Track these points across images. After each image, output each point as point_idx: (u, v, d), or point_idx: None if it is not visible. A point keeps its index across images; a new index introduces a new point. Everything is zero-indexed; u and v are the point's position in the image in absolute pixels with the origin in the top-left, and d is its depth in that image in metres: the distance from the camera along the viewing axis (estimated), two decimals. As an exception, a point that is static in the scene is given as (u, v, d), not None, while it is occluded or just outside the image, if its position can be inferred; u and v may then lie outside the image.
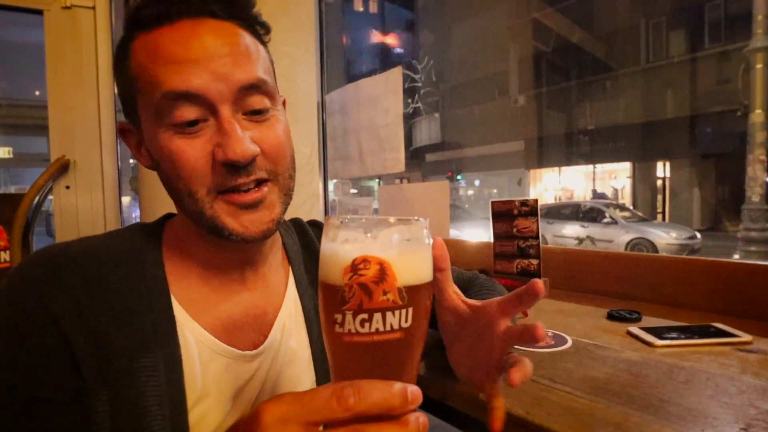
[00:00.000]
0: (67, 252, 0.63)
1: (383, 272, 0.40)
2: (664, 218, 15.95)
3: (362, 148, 2.48)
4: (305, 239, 0.88)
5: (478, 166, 19.85)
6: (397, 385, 0.39)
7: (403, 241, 0.42)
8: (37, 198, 1.85)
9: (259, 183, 0.64)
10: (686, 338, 1.01)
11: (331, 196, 2.84)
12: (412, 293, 0.41)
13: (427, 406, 0.92)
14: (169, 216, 0.76)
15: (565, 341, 1.03)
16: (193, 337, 0.65)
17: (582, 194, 18.56)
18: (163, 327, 0.62)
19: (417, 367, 0.46)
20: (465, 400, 0.80)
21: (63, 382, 0.56)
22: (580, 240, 10.68)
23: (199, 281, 0.69)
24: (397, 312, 0.40)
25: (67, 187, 1.92)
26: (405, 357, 0.43)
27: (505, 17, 18.01)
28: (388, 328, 0.40)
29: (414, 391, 0.40)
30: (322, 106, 2.62)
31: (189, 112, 0.59)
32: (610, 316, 1.22)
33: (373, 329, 0.40)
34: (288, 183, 0.69)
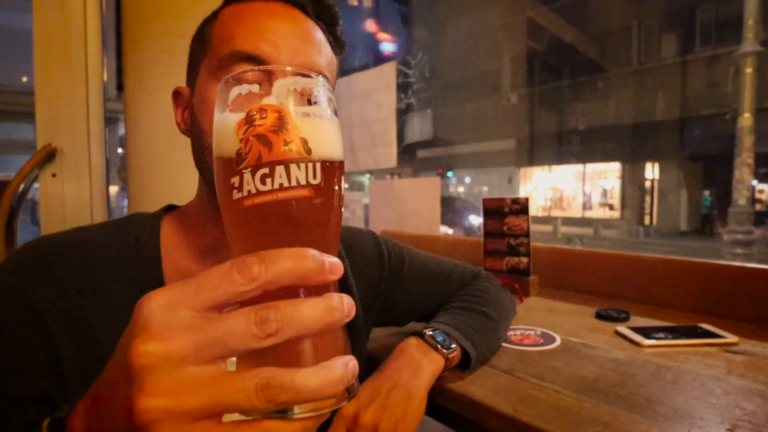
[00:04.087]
0: (57, 245, 0.60)
1: (282, 120, 0.34)
2: (651, 220, 16.11)
3: (354, 142, 2.47)
4: None
5: (470, 163, 19.90)
6: (311, 250, 0.32)
7: (303, 92, 0.37)
8: (22, 186, 1.82)
9: None
10: (673, 338, 1.01)
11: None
12: (317, 148, 0.35)
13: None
14: (168, 207, 0.73)
15: (553, 340, 1.03)
16: None
17: (571, 193, 18.69)
18: None
19: (336, 245, 0.40)
20: (452, 397, 0.80)
21: (36, 381, 0.54)
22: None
23: None
24: (302, 165, 0.34)
25: (54, 175, 1.88)
26: (318, 221, 0.36)
27: (500, 15, 18.02)
28: (293, 182, 0.34)
29: (333, 261, 0.33)
30: (315, 100, 2.60)
31: (246, 73, 0.60)
32: (599, 316, 1.22)
33: (276, 185, 0.33)
34: None
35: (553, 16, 16.88)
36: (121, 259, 0.62)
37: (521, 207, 1.53)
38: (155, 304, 0.31)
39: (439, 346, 0.79)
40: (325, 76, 0.63)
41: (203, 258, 0.67)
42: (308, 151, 0.35)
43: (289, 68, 0.37)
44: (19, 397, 0.53)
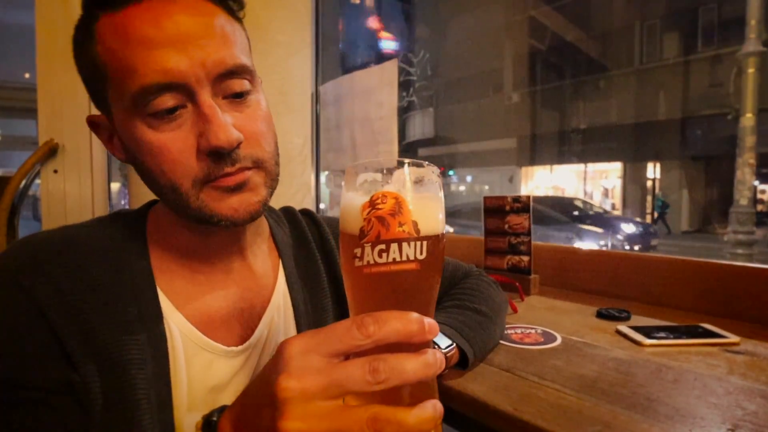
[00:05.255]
0: (47, 242, 0.60)
1: (399, 205, 0.42)
2: (652, 220, 16.10)
3: (355, 140, 2.46)
4: (297, 229, 0.85)
5: (471, 162, 19.88)
6: (415, 314, 0.41)
7: (417, 181, 0.45)
8: (23, 181, 1.82)
9: (243, 170, 0.62)
10: (674, 338, 1.01)
11: (323, 187, 2.83)
12: (425, 228, 0.44)
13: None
14: (152, 203, 0.73)
15: (554, 338, 1.03)
16: (178, 330, 0.63)
17: (573, 193, 18.67)
18: (150, 319, 0.60)
19: (433, 306, 0.48)
20: (452, 396, 0.80)
21: (55, 372, 0.54)
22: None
23: (184, 272, 0.67)
24: (412, 243, 0.42)
25: (55, 171, 1.88)
26: (421, 288, 0.45)
27: (502, 14, 17.98)
28: (404, 258, 0.42)
29: (431, 322, 0.41)
30: (316, 97, 2.60)
31: (167, 100, 0.56)
32: (600, 315, 1.22)
33: (390, 259, 0.42)
34: (273, 169, 0.66)
35: (556, 15, 16.85)
36: (111, 253, 0.62)
37: (522, 205, 1.53)
38: (293, 350, 0.40)
39: (436, 345, 0.79)
40: (244, 64, 0.60)
41: (185, 259, 0.68)
42: (417, 231, 0.43)
43: (406, 161, 0.45)
44: (46, 388, 0.54)
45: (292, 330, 0.75)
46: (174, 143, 0.57)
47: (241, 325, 0.69)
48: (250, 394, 0.46)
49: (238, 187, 0.61)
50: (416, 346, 0.42)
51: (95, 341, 0.56)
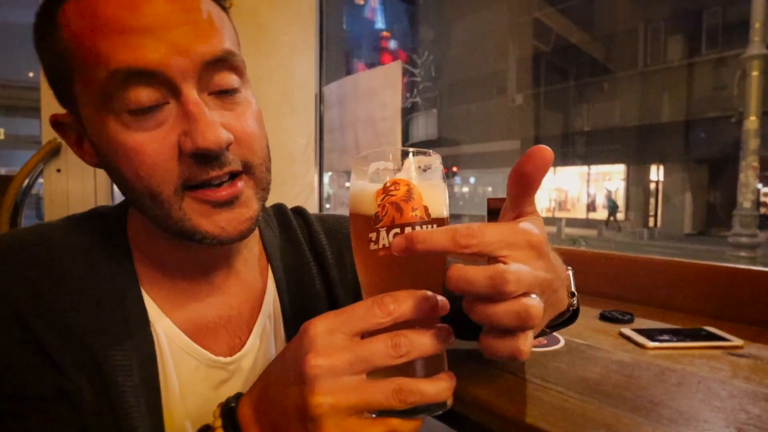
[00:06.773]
0: (20, 243, 0.57)
1: (410, 192, 0.44)
2: (656, 222, 16.07)
3: (359, 141, 2.46)
4: (288, 230, 0.80)
5: (474, 163, 19.87)
6: (428, 293, 0.43)
7: (424, 169, 0.47)
8: (26, 181, 1.83)
9: (233, 176, 0.56)
10: (678, 341, 1.00)
11: (326, 188, 2.83)
12: (434, 211, 0.46)
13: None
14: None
15: (557, 341, 1.03)
16: (165, 334, 0.60)
17: (576, 194, 18.66)
18: (136, 323, 0.57)
19: (441, 284, 0.49)
20: (455, 398, 0.79)
21: (45, 379, 0.51)
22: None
23: (167, 280, 0.63)
24: (424, 226, 0.44)
25: (58, 171, 1.89)
26: (432, 268, 0.47)
27: (506, 16, 17.98)
28: None
29: (442, 299, 0.44)
30: (320, 98, 2.60)
31: (145, 95, 0.50)
32: (603, 317, 1.22)
33: None
34: (264, 177, 0.61)
35: (560, 17, 16.83)
36: (90, 253, 0.58)
37: (526, 207, 1.53)
38: (318, 329, 0.42)
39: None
40: (232, 53, 0.55)
41: (166, 268, 0.64)
42: (428, 215, 0.45)
43: (412, 149, 0.47)
44: (39, 396, 0.52)
45: (282, 338, 0.72)
46: (152, 144, 0.52)
47: (229, 333, 0.66)
48: (272, 375, 0.46)
49: (229, 202, 0.56)
50: (429, 322, 0.44)
51: (80, 345, 0.53)
